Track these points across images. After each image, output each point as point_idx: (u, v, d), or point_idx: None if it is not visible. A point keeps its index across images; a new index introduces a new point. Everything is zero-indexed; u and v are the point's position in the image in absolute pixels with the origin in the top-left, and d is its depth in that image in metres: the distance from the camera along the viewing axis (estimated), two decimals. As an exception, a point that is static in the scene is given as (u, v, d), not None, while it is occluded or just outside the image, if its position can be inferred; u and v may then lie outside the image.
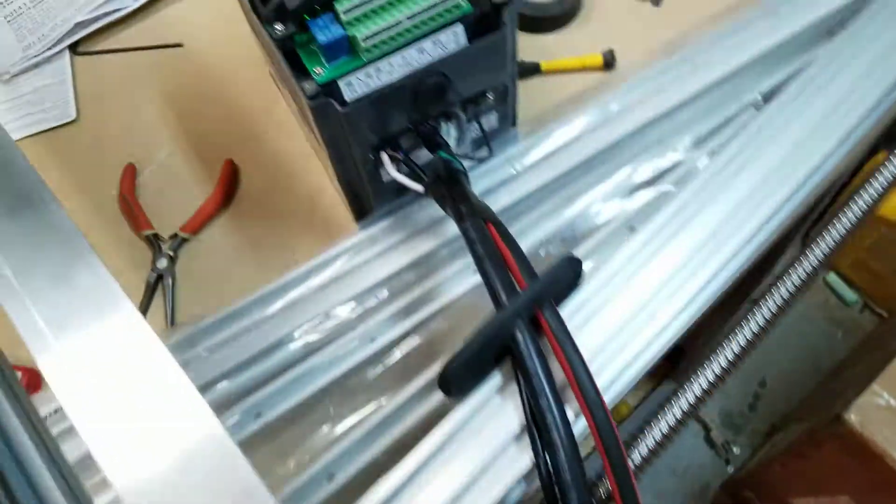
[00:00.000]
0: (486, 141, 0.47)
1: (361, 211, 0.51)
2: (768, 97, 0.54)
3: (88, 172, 0.60)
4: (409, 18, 0.42)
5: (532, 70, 0.60)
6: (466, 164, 0.46)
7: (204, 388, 0.46)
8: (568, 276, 0.39)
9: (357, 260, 0.50)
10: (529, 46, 0.61)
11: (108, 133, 0.62)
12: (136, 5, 0.68)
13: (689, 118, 0.53)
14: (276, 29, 0.42)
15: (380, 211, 0.51)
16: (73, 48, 0.67)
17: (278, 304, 0.49)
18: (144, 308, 0.53)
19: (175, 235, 0.56)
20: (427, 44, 0.43)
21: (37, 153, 0.62)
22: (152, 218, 0.57)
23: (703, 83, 0.54)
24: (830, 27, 0.56)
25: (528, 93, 0.56)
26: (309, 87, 0.41)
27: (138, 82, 0.65)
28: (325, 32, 0.42)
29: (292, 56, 0.43)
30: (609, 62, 0.59)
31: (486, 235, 0.38)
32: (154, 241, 0.56)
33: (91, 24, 0.67)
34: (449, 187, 0.43)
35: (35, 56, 0.66)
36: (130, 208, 0.57)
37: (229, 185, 0.58)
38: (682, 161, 0.51)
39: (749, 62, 0.54)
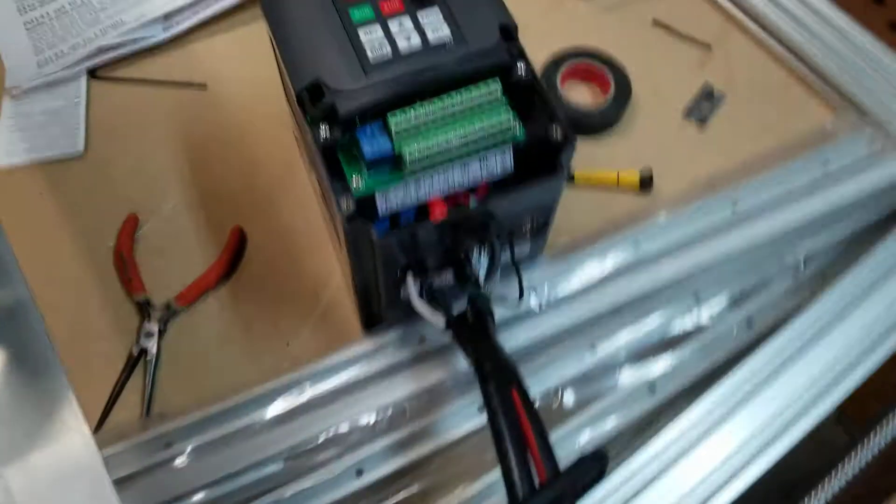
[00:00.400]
0: (520, 285, 0.44)
1: (370, 319, 0.48)
2: (809, 261, 0.52)
3: (87, 216, 0.56)
4: (460, 140, 0.39)
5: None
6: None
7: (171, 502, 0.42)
8: (592, 472, 0.36)
9: (358, 372, 0.47)
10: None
11: (114, 173, 0.58)
12: (165, 36, 0.64)
13: (726, 273, 0.51)
14: (322, 132, 0.39)
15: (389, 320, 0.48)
16: (92, 71, 0.63)
17: (266, 413, 0.45)
18: (120, 387, 0.49)
19: (168, 306, 0.52)
20: (473, 164, 0.41)
21: (36, 184, 0.58)
22: (147, 278, 0.53)
23: (745, 239, 0.51)
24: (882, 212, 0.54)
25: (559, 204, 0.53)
26: (346, 204, 0.38)
27: (155, 120, 0.61)
28: (372, 144, 0.39)
29: (331, 156, 0.40)
30: (646, 183, 0.57)
31: (509, 407, 0.35)
32: (145, 308, 0.52)
33: (115, 50, 0.63)
34: (473, 332, 0.39)
35: (51, 74, 0.62)
36: (125, 266, 0.53)
37: (234, 256, 0.54)
38: (715, 324, 0.49)
39: (795, 224, 0.52)
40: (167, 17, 0.64)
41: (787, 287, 0.50)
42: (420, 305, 0.41)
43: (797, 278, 0.51)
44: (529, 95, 0.41)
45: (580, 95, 0.62)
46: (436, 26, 0.40)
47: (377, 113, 0.39)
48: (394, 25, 0.40)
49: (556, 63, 0.61)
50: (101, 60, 0.63)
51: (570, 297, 0.49)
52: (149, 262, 0.54)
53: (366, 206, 0.40)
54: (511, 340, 0.46)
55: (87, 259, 0.54)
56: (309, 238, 0.55)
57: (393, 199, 0.41)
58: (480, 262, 0.42)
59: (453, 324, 0.40)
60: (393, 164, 0.39)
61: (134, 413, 0.49)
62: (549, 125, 0.40)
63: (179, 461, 0.44)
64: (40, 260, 0.54)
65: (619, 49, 0.62)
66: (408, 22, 0.40)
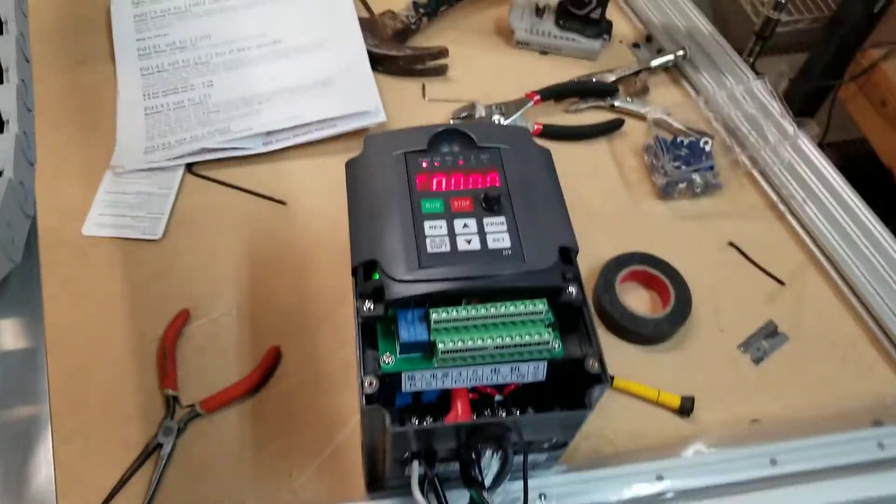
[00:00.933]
0: (525, 498, 0.44)
1: (373, 482, 0.49)
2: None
3: (147, 300, 0.60)
4: (496, 346, 0.41)
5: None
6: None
7: None
8: None
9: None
10: (610, 349, 0.59)
11: (181, 264, 0.63)
12: (263, 150, 0.70)
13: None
14: (366, 306, 0.42)
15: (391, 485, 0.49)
16: (189, 165, 0.69)
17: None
18: (129, 475, 0.51)
19: (192, 407, 0.54)
20: (504, 368, 0.42)
21: (110, 256, 0.63)
22: (182, 375, 0.56)
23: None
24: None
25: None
26: (369, 383, 0.40)
27: (232, 223, 0.66)
28: (409, 330, 0.41)
29: (369, 327, 0.43)
30: (686, 410, 0.56)
31: None
32: (171, 404, 0.54)
33: (215, 153, 0.69)
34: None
35: (154, 162, 0.68)
36: (165, 360, 0.56)
37: (266, 374, 0.57)
38: None
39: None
40: (269, 133, 0.71)
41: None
42: (418, 496, 0.42)
43: None
44: (575, 317, 0.43)
45: (637, 300, 0.62)
46: (498, 235, 0.42)
47: (420, 302, 0.41)
48: (459, 223, 0.43)
49: (618, 263, 0.62)
50: (200, 158, 0.69)
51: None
52: (188, 360, 0.57)
53: (391, 378, 0.42)
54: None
55: (135, 341, 0.58)
56: (339, 375, 0.57)
57: (419, 380, 0.42)
58: (490, 466, 0.43)
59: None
60: (425, 351, 0.42)
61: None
62: (587, 356, 0.41)
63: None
64: (94, 329, 0.58)
65: (688, 262, 0.63)
66: (473, 224, 0.43)
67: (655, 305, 0.62)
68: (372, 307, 0.41)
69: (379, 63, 0.78)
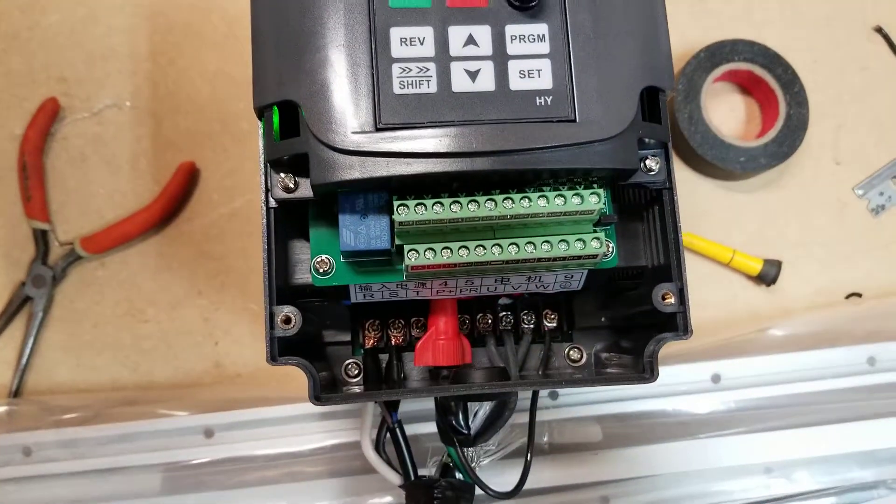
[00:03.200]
0: (524, 475, 0.30)
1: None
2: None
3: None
4: (505, 262, 0.23)
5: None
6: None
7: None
8: None
9: (295, 445, 0.35)
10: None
11: (46, 26, 0.41)
12: None
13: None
14: (278, 185, 0.23)
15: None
16: None
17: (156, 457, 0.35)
18: (-9, 341, 0.38)
19: (71, 246, 0.39)
20: (517, 278, 0.27)
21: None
22: (53, 199, 0.39)
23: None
24: None
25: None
26: (284, 319, 0.23)
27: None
28: (358, 231, 0.24)
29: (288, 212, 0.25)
30: (769, 278, 0.41)
31: None
32: (41, 241, 0.39)
33: None
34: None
35: None
36: (27, 173, 0.39)
37: (174, 202, 0.40)
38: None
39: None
40: None
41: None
42: (371, 455, 0.28)
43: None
44: (648, 201, 0.26)
45: (728, 114, 0.44)
46: (531, 63, 0.22)
47: (377, 185, 0.23)
48: (457, 35, 0.23)
49: (713, 56, 0.42)
50: None
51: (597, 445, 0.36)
52: (61, 176, 0.40)
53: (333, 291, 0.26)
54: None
55: (-18, 144, 0.40)
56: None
57: (378, 292, 0.27)
58: (477, 416, 0.29)
59: (411, 490, 0.28)
60: (387, 255, 0.25)
61: (3, 378, 0.38)
62: (659, 277, 0.25)
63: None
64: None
65: (812, 56, 0.43)
66: (485, 35, 0.23)
67: (753, 124, 0.44)
68: (293, 185, 0.23)
69: None
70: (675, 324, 0.25)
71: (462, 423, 0.28)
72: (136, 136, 0.41)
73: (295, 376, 0.26)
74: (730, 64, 0.42)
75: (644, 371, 0.25)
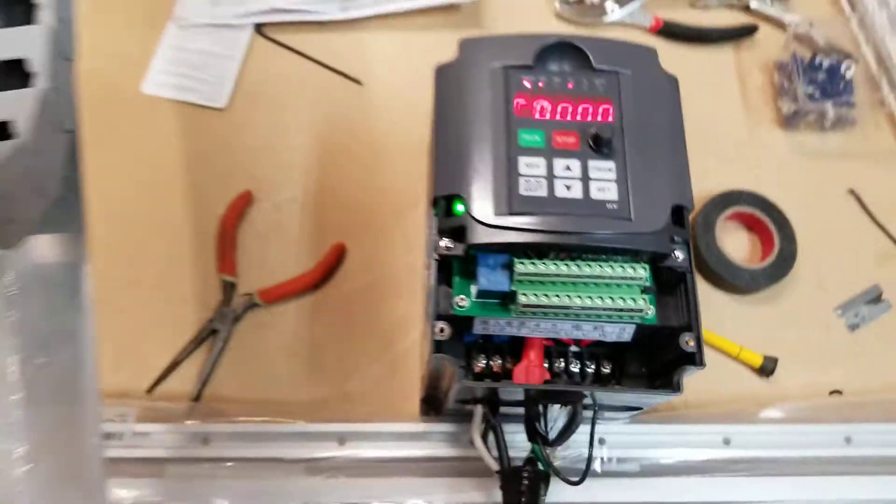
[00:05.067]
0: (587, 465, 0.42)
1: (429, 406, 0.48)
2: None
3: (206, 175, 0.57)
4: (582, 308, 0.36)
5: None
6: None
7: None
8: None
9: (406, 452, 0.47)
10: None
11: (245, 140, 0.59)
12: (340, 16, 0.63)
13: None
14: (443, 245, 0.37)
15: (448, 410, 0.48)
16: (259, 27, 0.63)
17: (301, 454, 0.47)
18: (183, 356, 0.51)
19: (250, 296, 0.53)
20: (587, 326, 0.38)
21: (170, 121, 0.59)
22: (241, 261, 0.54)
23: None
24: None
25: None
26: (440, 329, 0.37)
27: (302, 99, 0.61)
28: (489, 277, 0.37)
29: (444, 264, 0.39)
30: (767, 371, 0.52)
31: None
32: (228, 291, 0.53)
33: (287, 13, 0.62)
34: (522, 493, 0.39)
35: (221, 18, 0.62)
36: (224, 242, 0.54)
37: (328, 271, 0.54)
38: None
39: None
40: (350, -3, 0.63)
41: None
42: (480, 444, 0.41)
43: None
44: (676, 281, 0.39)
45: (736, 244, 0.57)
46: (604, 184, 0.37)
47: (505, 249, 0.37)
48: (560, 164, 0.37)
49: (724, 201, 0.56)
50: (270, 19, 0.62)
51: (636, 473, 0.47)
52: (247, 246, 0.55)
53: (463, 321, 0.39)
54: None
55: (194, 217, 0.56)
56: (404, 281, 0.54)
57: (492, 326, 0.39)
58: (556, 423, 0.41)
59: (506, 475, 0.40)
60: (504, 298, 0.38)
61: (186, 387, 0.51)
62: (684, 331, 0.37)
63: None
64: (151, 195, 0.56)
65: (800, 207, 0.57)
66: (576, 166, 0.37)
67: (755, 253, 0.57)
68: (451, 246, 0.37)
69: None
70: (694, 359, 0.37)
71: (543, 427, 0.40)
72: (303, 222, 0.56)
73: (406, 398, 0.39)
74: (737, 207, 0.56)
75: (674, 388, 0.37)
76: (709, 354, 0.53)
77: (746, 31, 0.64)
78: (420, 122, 0.49)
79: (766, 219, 0.55)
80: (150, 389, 0.51)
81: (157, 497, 0.45)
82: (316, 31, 0.63)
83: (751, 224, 0.57)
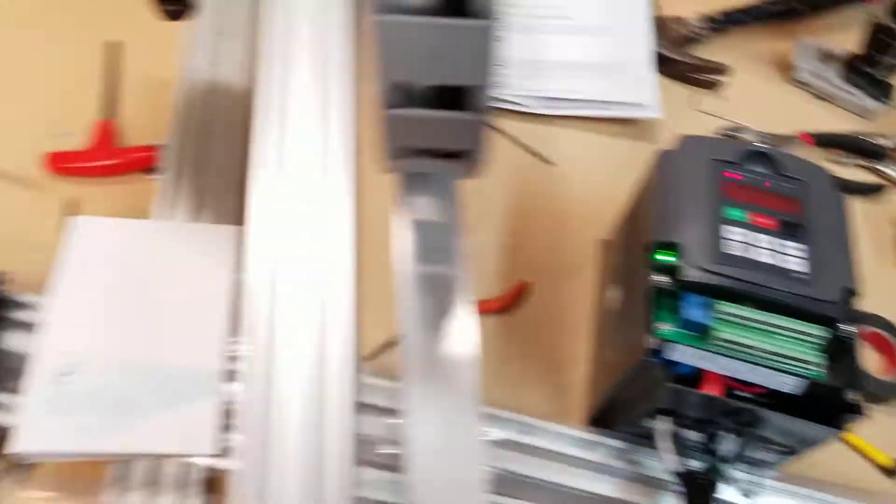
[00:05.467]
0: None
1: (598, 420, 0.57)
2: None
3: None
4: (765, 351, 0.46)
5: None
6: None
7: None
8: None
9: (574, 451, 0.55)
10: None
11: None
12: (540, 111, 0.78)
13: None
14: (658, 279, 0.48)
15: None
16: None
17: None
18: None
19: (448, 310, 0.64)
20: (764, 370, 0.47)
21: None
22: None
23: None
24: None
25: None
26: (648, 341, 0.47)
27: (500, 169, 0.73)
28: (692, 311, 0.48)
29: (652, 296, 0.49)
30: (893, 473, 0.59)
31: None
32: (431, 302, 0.65)
33: (500, 103, 0.78)
34: (698, 493, 0.47)
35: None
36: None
37: (511, 302, 0.65)
38: None
39: None
40: (551, 99, 0.78)
41: None
42: (666, 444, 0.50)
43: None
44: (842, 349, 0.47)
45: (865, 357, 0.64)
46: (793, 259, 0.48)
47: (708, 290, 0.48)
48: (757, 237, 0.49)
49: (860, 317, 0.64)
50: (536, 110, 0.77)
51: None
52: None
53: (662, 343, 0.49)
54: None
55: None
56: (578, 323, 0.65)
57: (682, 353, 0.49)
58: (727, 448, 0.49)
59: (685, 475, 0.49)
60: (698, 331, 0.48)
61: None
62: (847, 386, 0.46)
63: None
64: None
65: None
66: (773, 242, 0.48)
67: (882, 368, 0.65)
68: (663, 281, 0.48)
69: (659, 63, 0.83)
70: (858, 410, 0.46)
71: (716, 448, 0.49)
72: (499, 262, 0.68)
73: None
74: (869, 326, 0.65)
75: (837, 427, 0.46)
76: (841, 446, 0.61)
77: (873, 189, 0.77)
78: (600, 196, 0.63)
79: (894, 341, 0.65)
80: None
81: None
82: (515, 120, 0.77)
83: (878, 344, 0.66)
